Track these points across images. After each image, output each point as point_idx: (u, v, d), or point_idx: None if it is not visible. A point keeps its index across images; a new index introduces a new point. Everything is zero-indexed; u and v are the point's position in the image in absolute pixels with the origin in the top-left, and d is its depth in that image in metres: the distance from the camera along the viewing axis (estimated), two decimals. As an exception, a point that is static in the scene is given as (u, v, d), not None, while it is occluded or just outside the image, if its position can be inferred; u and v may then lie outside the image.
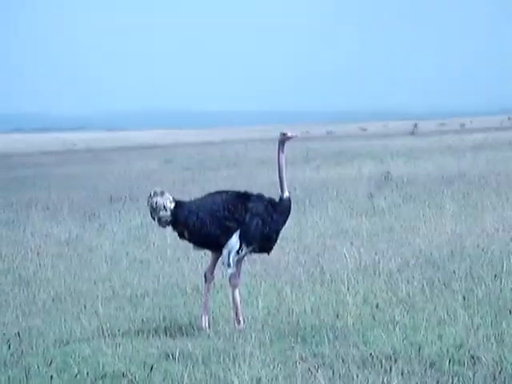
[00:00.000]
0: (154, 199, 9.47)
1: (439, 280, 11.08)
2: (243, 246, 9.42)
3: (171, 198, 9.52)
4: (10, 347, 9.05)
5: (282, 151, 9.70)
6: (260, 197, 9.57)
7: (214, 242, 9.44)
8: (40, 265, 13.91)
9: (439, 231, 15.01)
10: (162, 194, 9.51)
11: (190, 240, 9.57)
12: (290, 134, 9.71)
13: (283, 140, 9.70)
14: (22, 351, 8.99)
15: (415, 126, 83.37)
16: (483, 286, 10.50)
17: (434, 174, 26.21)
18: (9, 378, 8.13)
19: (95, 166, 43.67)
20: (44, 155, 61.25)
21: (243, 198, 9.51)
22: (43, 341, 9.36)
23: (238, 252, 9.42)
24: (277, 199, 9.55)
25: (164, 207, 9.44)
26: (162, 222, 9.50)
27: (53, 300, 11.53)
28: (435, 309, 9.62)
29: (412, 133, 71.45)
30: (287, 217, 9.60)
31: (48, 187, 30.45)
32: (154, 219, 9.55)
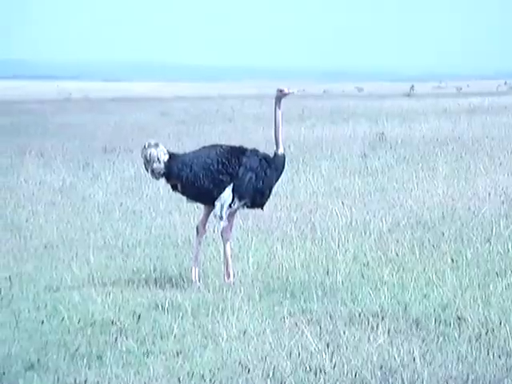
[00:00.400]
0: (148, 151, 9.48)
1: (429, 241, 11.17)
2: (236, 199, 9.46)
3: (165, 151, 9.53)
4: (0, 291, 9.13)
5: (279, 107, 9.70)
6: (254, 152, 9.59)
7: (206, 196, 9.48)
8: (33, 212, 13.95)
9: (431, 193, 15.08)
10: (157, 145, 9.52)
11: (182, 193, 9.60)
12: (286, 91, 9.70)
13: (280, 96, 9.69)
14: (13, 295, 9.07)
15: (412, 87, 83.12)
16: (472, 249, 10.59)
17: (428, 137, 26.22)
18: (-1, 321, 8.21)
19: (91, 115, 43.52)
20: (40, 103, 61.01)
21: (237, 152, 9.53)
22: (34, 286, 9.44)
23: (230, 205, 9.46)
24: (271, 155, 9.58)
25: (158, 159, 9.46)
26: (155, 174, 9.53)
27: (45, 247, 11.60)
28: (424, 269, 9.71)
29: (408, 94, 71.27)
30: (281, 173, 9.63)
31: (43, 135, 30.41)
32: (147, 171, 9.57)
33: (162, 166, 9.48)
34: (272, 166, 9.54)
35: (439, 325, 7.87)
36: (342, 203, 14.12)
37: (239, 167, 9.45)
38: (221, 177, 9.44)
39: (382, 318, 8.01)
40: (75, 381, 6.71)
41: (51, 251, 11.37)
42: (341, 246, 10.93)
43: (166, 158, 9.48)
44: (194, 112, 46.58)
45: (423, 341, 7.47)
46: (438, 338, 7.53)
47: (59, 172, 18.75)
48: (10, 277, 9.63)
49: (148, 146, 9.50)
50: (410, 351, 7.08)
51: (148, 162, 9.49)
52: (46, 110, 50.61)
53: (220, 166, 9.44)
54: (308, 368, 6.82)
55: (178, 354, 7.27)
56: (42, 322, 8.12)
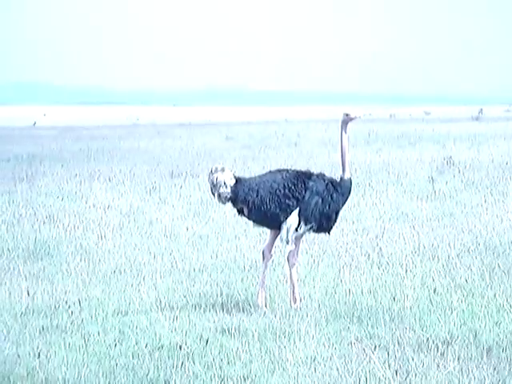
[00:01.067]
0: (215, 175, 9.52)
1: (499, 267, 10.97)
2: (302, 223, 9.44)
3: (231, 175, 9.56)
4: (70, 314, 9.24)
5: (345, 132, 9.67)
6: (321, 176, 9.56)
7: (273, 220, 9.47)
8: (101, 236, 14.11)
9: (501, 218, 14.84)
10: (223, 170, 9.55)
11: (248, 217, 9.61)
12: (353, 115, 9.67)
13: (346, 120, 9.66)
14: (82, 319, 9.17)
15: (480, 111, 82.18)
16: (544, 275, 10.37)
17: (497, 161, 25.85)
18: (69, 344, 8.30)
19: (158, 140, 44.02)
20: (109, 128, 61.93)
21: (304, 176, 9.52)
22: (102, 310, 9.53)
23: (296, 229, 9.44)
24: (338, 179, 9.54)
25: (224, 184, 9.49)
26: (221, 199, 9.56)
27: (113, 271, 11.71)
28: (494, 295, 9.54)
29: (477, 118, 70.47)
30: (347, 198, 9.58)
31: (111, 160, 30.83)
32: (213, 195, 9.60)
33: (229, 190, 9.51)
34: (338, 191, 9.50)
35: (511, 352, 7.70)
36: (410, 227, 13.98)
37: (305, 191, 9.43)
38: (287, 201, 9.43)
39: (452, 345, 7.89)
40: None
41: (119, 275, 11.47)
42: (408, 271, 10.81)
43: (232, 182, 9.51)
44: (259, 136, 46.74)
45: (495, 369, 7.32)
46: (510, 366, 7.38)
47: (127, 196, 18.97)
48: (79, 301, 9.75)
49: (214, 171, 9.54)
50: (481, 379, 6.94)
51: (214, 186, 9.52)
52: (114, 135, 51.34)
53: (286, 191, 9.44)
54: (376, 395, 6.73)
55: (245, 379, 7.25)
56: (110, 346, 8.18)
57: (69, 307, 9.49)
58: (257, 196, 9.45)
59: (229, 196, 9.53)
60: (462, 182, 20.36)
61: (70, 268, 11.86)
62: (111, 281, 11.16)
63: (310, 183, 9.46)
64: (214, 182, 9.52)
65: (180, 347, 8.09)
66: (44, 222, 15.59)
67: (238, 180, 9.56)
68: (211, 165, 9.84)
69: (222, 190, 9.51)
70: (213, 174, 9.55)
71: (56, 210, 17.00)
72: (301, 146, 36.93)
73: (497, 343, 7.94)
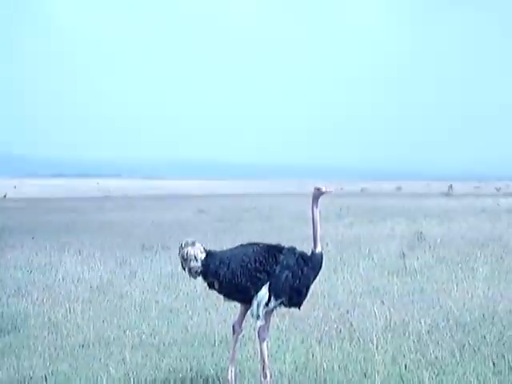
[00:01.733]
0: (185, 249, 9.48)
1: (470, 344, 10.95)
2: (272, 298, 9.39)
3: (202, 249, 9.53)
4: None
5: (316, 206, 9.71)
6: (292, 250, 9.56)
7: (243, 294, 9.42)
8: (70, 309, 13.95)
9: (471, 294, 14.87)
10: (193, 244, 9.53)
11: (219, 291, 9.56)
12: (324, 189, 9.73)
13: (317, 195, 9.71)
14: (48, 395, 9.00)
15: (450, 187, 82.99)
16: (514, 352, 10.35)
17: (467, 237, 26.01)
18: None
19: (130, 213, 43.91)
20: (80, 200, 61.71)
21: (274, 250, 9.51)
22: (69, 385, 9.36)
23: (266, 304, 9.39)
24: (309, 253, 9.54)
25: (195, 257, 9.45)
26: (192, 273, 9.50)
27: (81, 346, 11.55)
28: (464, 373, 9.50)
29: (446, 194, 71.10)
30: (318, 272, 9.56)
31: (82, 232, 30.65)
32: (184, 269, 9.55)
33: (199, 264, 9.47)
34: (309, 265, 9.48)
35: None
36: (381, 302, 13.96)
37: (276, 265, 9.41)
38: (258, 274, 9.40)
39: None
40: None
41: (87, 350, 11.32)
42: (379, 347, 10.75)
43: (203, 256, 9.48)
44: (231, 209, 46.79)
45: None
46: None
47: (97, 269, 18.82)
48: (45, 376, 9.57)
49: (185, 245, 9.51)
50: None
51: (185, 260, 9.48)
52: (86, 207, 51.15)
53: (257, 264, 9.41)
54: None
55: None
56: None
57: (35, 383, 9.31)
58: (228, 269, 9.42)
59: (200, 270, 9.48)
60: (432, 257, 20.43)
61: (37, 342, 11.69)
62: (79, 355, 11.00)
63: (281, 257, 9.44)
64: (185, 256, 9.48)
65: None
66: (12, 296, 15.40)
67: (208, 253, 9.53)
68: (183, 237, 9.82)
69: (192, 264, 9.46)
70: (183, 248, 9.52)
71: (25, 282, 16.82)
72: (273, 220, 37.00)
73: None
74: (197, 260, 9.45)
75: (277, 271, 9.39)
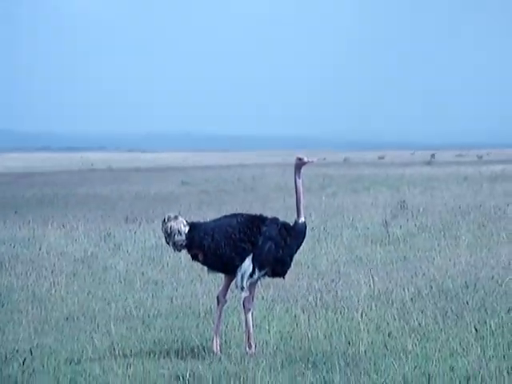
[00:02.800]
0: (168, 224, 9.47)
1: (452, 310, 11.04)
2: (256, 269, 9.43)
3: (185, 222, 9.52)
4: (21, 364, 9.09)
5: (299, 176, 9.72)
6: (274, 220, 9.58)
7: (228, 265, 9.44)
8: (54, 283, 13.95)
9: (454, 262, 14.97)
10: (176, 218, 9.51)
11: (204, 262, 9.57)
12: (306, 159, 9.73)
13: (299, 165, 9.71)
14: (34, 369, 9.02)
15: (432, 155, 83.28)
16: (496, 318, 10.45)
17: (450, 205, 26.14)
18: (19, 394, 8.15)
19: (113, 186, 43.82)
20: (63, 174, 61.52)
21: (258, 220, 9.53)
22: (55, 359, 9.38)
23: (250, 275, 9.42)
24: (292, 224, 9.56)
25: (179, 231, 9.45)
26: (177, 246, 9.51)
27: (66, 318, 11.56)
28: (448, 339, 9.58)
29: (429, 163, 71.34)
30: (301, 241, 9.59)
31: (65, 206, 30.59)
32: (168, 244, 9.54)
33: (184, 237, 9.47)
34: (292, 235, 9.51)
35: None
36: (365, 271, 14.04)
37: (259, 236, 9.43)
38: (243, 245, 9.42)
39: (406, 390, 7.89)
40: None
41: (72, 323, 11.34)
42: (363, 315, 10.82)
43: (186, 229, 9.48)
44: (215, 181, 46.77)
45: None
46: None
47: (81, 242, 18.81)
48: (31, 350, 9.59)
49: (168, 220, 9.50)
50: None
51: (169, 235, 9.47)
52: (70, 180, 51.00)
53: (242, 235, 9.43)
54: None
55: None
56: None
57: (20, 356, 9.32)
58: (212, 240, 9.43)
59: (184, 243, 9.49)
60: (415, 225, 20.52)
61: (21, 316, 11.69)
62: (64, 328, 11.02)
63: (264, 228, 9.46)
64: (168, 231, 9.47)
65: (134, 395, 7.99)
66: (-4, 270, 15.37)
67: (191, 226, 9.54)
68: (167, 210, 9.83)
69: (177, 238, 9.46)
70: (166, 223, 9.50)
71: (8, 257, 16.78)
72: (256, 191, 37.03)
73: (450, 387, 7.96)
74: (181, 234, 9.45)
75: (260, 242, 9.41)
